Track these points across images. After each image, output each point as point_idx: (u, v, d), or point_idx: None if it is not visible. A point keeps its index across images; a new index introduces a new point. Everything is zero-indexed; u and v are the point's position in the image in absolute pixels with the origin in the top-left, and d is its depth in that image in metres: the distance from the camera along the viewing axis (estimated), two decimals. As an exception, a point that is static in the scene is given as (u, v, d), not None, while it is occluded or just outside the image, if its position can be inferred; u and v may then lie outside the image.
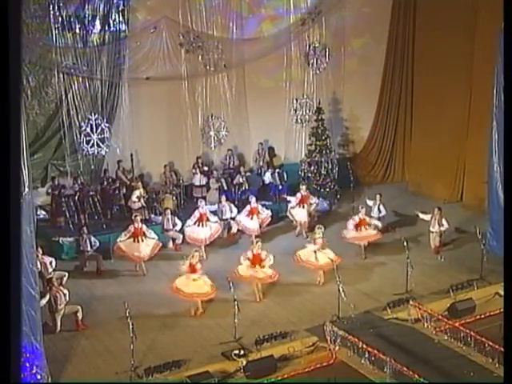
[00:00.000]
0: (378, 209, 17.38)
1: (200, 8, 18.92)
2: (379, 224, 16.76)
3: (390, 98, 21.94)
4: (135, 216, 15.68)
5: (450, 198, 19.76)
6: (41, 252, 13.70)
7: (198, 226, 16.26)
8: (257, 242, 14.33)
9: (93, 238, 15.58)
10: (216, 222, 16.56)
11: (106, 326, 12.97)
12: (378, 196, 17.56)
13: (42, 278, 12.78)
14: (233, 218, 17.34)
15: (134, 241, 15.32)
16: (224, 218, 17.15)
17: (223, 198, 17.63)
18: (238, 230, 17.31)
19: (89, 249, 15.49)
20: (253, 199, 17.14)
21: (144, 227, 15.52)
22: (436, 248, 16.38)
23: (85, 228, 15.67)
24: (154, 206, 17.71)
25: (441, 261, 15.87)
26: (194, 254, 13.70)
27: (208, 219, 16.32)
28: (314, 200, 17.96)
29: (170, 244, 16.70)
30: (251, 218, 16.99)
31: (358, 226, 16.26)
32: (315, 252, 14.64)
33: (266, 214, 17.28)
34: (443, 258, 15.95)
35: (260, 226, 17.05)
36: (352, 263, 15.62)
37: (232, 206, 17.51)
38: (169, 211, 16.72)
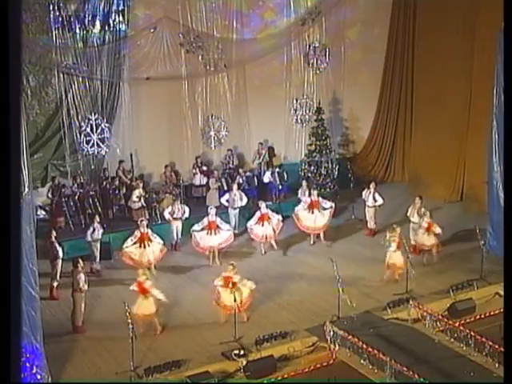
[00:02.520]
0: (374, 198, 17.33)
1: (200, 8, 18.93)
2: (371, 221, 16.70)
3: (390, 98, 21.96)
4: (141, 221, 15.56)
5: (449, 197, 19.76)
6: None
7: (208, 233, 15.85)
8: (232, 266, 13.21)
9: (101, 230, 15.58)
10: (228, 230, 16.14)
11: (106, 326, 12.97)
12: (372, 184, 17.49)
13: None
14: (243, 207, 17.34)
15: (140, 246, 15.13)
16: (235, 206, 17.17)
17: (235, 186, 17.54)
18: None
19: (96, 236, 15.45)
20: (263, 205, 16.63)
21: (149, 232, 15.37)
22: (416, 247, 15.93)
23: (97, 216, 15.78)
24: (154, 205, 17.71)
25: (441, 261, 15.84)
26: (229, 268, 13.09)
27: (218, 227, 15.88)
28: (328, 204, 17.20)
29: (173, 233, 16.55)
30: (262, 225, 16.44)
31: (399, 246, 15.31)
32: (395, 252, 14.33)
33: (277, 219, 16.67)
34: (443, 258, 15.93)
35: (274, 232, 16.55)
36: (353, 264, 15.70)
37: (243, 194, 17.41)
38: (178, 200, 16.78)
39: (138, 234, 15.21)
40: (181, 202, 18.21)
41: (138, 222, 15.57)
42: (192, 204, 18.42)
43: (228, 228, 16.18)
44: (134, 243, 15.16)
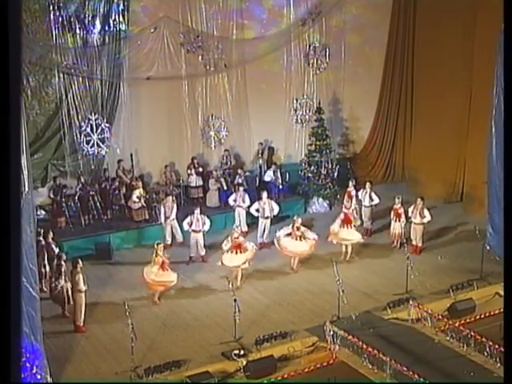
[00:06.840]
0: (370, 197, 17.31)
1: (200, 8, 18.93)
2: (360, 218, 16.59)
3: (390, 98, 21.97)
4: (157, 244, 13.97)
5: (449, 197, 19.76)
6: None
7: (235, 253, 14.44)
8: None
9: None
10: (253, 246, 14.77)
11: (106, 326, 12.99)
12: (367, 184, 17.49)
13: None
14: (275, 216, 16.76)
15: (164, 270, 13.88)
16: (265, 216, 16.56)
17: (264, 194, 16.73)
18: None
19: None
20: (298, 220, 15.28)
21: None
22: (417, 247, 16.08)
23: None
24: (154, 206, 17.69)
25: (441, 261, 15.85)
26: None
27: (241, 246, 14.51)
28: (311, 235, 15.55)
29: (193, 245, 15.70)
30: (294, 240, 15.17)
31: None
32: None
33: (313, 237, 15.33)
34: (443, 258, 15.93)
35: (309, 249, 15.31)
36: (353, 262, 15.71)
37: (273, 203, 16.81)
38: (198, 209, 15.79)
39: (158, 261, 13.77)
40: (181, 203, 18.23)
41: (155, 246, 13.97)
42: (192, 205, 18.41)
43: (252, 245, 14.82)
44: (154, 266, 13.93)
